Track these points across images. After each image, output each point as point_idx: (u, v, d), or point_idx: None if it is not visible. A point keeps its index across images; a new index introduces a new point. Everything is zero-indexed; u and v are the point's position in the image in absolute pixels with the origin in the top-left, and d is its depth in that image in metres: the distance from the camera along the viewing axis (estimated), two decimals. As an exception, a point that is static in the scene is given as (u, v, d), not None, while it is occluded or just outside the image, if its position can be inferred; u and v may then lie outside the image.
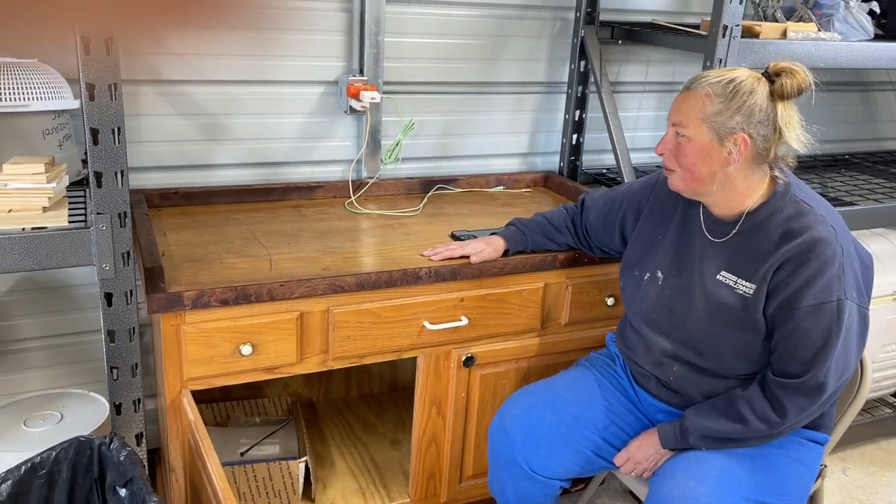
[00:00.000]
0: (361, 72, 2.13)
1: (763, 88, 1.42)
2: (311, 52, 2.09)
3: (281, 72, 2.08)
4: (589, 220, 1.80)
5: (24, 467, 1.31)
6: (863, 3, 2.12)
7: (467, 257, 1.76)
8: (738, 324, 1.47)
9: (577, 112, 2.41)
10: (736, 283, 1.48)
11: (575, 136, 2.44)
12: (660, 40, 2.15)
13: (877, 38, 2.17)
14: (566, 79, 2.42)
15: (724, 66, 1.84)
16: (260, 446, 1.96)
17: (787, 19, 2.11)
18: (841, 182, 2.57)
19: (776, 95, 1.42)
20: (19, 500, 1.31)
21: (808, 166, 2.84)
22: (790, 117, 1.43)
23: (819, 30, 2.03)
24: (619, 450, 1.64)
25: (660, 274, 1.60)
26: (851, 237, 1.48)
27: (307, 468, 1.89)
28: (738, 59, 1.84)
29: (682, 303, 1.55)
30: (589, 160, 2.53)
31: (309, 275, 1.63)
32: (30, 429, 1.64)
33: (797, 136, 1.43)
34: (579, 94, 2.39)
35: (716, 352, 1.51)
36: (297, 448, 1.96)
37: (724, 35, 1.81)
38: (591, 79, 2.33)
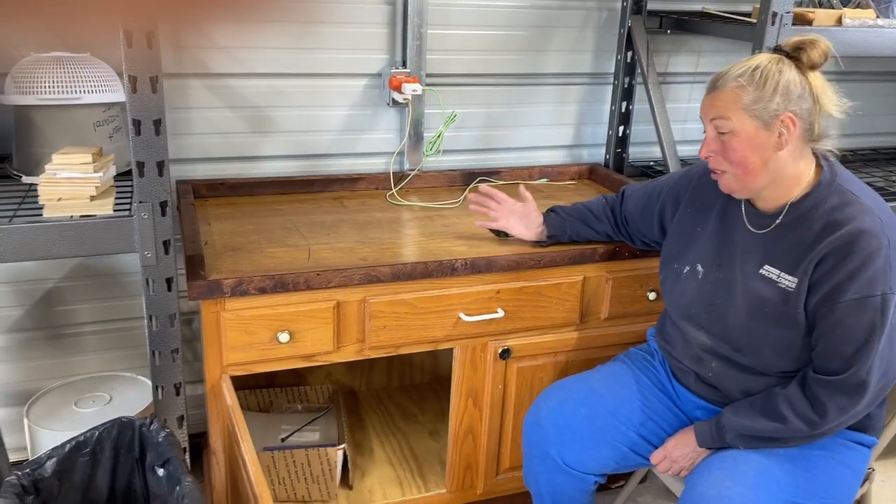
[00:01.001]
0: (404, 64, 2.14)
1: (788, 66, 1.38)
2: (355, 44, 2.11)
3: (325, 64, 2.10)
4: (628, 210, 1.77)
5: (68, 445, 1.36)
6: (927, -12, 2.02)
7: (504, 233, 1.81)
8: (778, 319, 1.43)
9: (624, 104, 2.37)
10: (779, 276, 1.43)
11: (621, 128, 2.40)
12: (709, 29, 2.10)
13: (941, 24, 2.06)
14: (612, 70, 2.39)
15: (774, 54, 1.78)
16: (300, 433, 2.00)
17: (844, 6, 2.03)
18: (904, 175, 2.46)
19: (806, 67, 1.38)
20: (64, 476, 1.37)
21: (869, 159, 2.73)
22: (823, 85, 1.40)
23: (878, 17, 1.94)
24: (655, 446, 1.61)
25: (700, 268, 1.57)
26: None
27: (345, 456, 1.92)
28: (789, 47, 1.78)
29: (722, 297, 1.52)
30: (636, 153, 2.49)
31: (346, 265, 1.65)
32: (80, 409, 1.71)
33: (834, 103, 1.40)
34: (626, 86, 2.35)
35: (755, 348, 1.47)
36: (336, 436, 1.99)
37: (773, 22, 1.75)
38: (638, 70, 2.29)
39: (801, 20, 1.85)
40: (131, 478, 1.43)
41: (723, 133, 1.41)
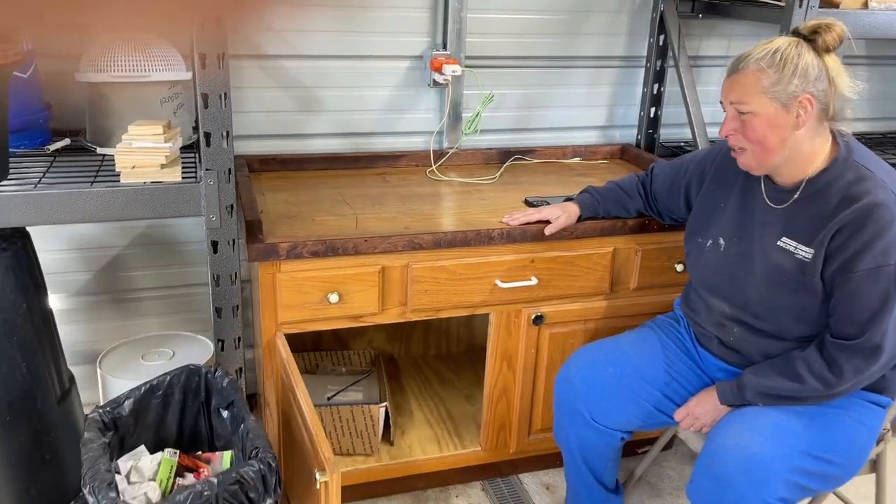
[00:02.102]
0: (445, 47, 2.25)
1: (806, 49, 1.46)
2: (398, 28, 2.23)
3: (370, 47, 2.22)
4: (656, 187, 1.87)
5: (143, 388, 1.51)
6: (955, -28, 2.07)
7: (544, 222, 1.85)
8: (796, 287, 1.51)
9: (656, 86, 2.46)
10: (796, 248, 1.52)
11: (653, 110, 2.49)
12: (739, 13, 2.17)
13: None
14: (645, 53, 2.47)
15: (800, 36, 1.86)
16: (345, 392, 2.14)
17: (873, -10, 2.09)
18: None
19: (822, 51, 1.46)
20: (139, 416, 1.52)
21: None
22: (838, 68, 1.47)
23: (905, -1, 2.00)
24: (678, 405, 1.71)
25: (721, 241, 1.66)
26: None
27: (387, 413, 2.05)
28: (815, 29, 1.85)
29: (742, 269, 1.61)
30: (667, 134, 2.57)
31: (390, 232, 1.77)
32: (147, 362, 1.86)
33: (848, 84, 1.47)
34: (658, 68, 2.44)
35: (774, 315, 1.56)
36: (378, 395, 2.12)
37: (800, 5, 1.82)
38: (670, 53, 2.37)
39: (827, 3, 1.92)
40: (197, 419, 1.58)
41: (743, 113, 1.49)
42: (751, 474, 1.46)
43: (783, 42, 1.47)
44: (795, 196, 1.53)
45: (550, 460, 2.20)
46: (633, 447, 2.24)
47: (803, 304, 1.52)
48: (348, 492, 2.01)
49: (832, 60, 1.46)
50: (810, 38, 1.46)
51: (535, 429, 2.08)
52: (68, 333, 2.16)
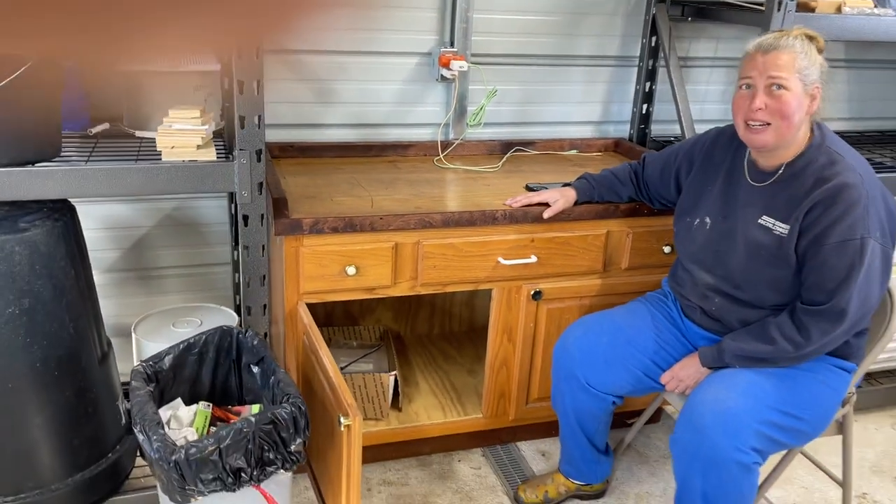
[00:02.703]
0: (452, 44, 2.42)
1: (814, 47, 1.66)
2: (409, 26, 2.40)
3: (382, 43, 2.39)
4: (648, 174, 2.04)
5: (181, 345, 1.67)
6: (924, -19, 2.25)
7: (543, 204, 2.02)
8: (772, 260, 1.69)
9: (648, 84, 2.63)
10: (774, 224, 1.70)
11: (645, 106, 2.66)
12: (725, 16, 2.35)
13: (936, 14, 2.30)
14: (638, 53, 2.65)
15: (779, 37, 2.03)
16: (356, 364, 2.30)
17: (848, -4, 2.26)
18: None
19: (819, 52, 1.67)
20: (177, 371, 1.68)
21: (877, 140, 2.95)
22: (829, 72, 1.68)
23: (875, 6, 2.18)
24: (665, 371, 1.88)
25: (708, 220, 1.83)
26: (879, 185, 1.67)
27: (396, 381, 2.21)
28: (793, 31, 2.03)
29: (725, 244, 1.78)
30: (657, 129, 2.75)
31: (403, 211, 1.94)
32: (177, 329, 2.02)
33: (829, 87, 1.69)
34: (650, 68, 2.61)
35: (753, 285, 1.73)
36: (388, 366, 2.29)
37: (778, 9, 2.00)
38: (661, 53, 2.55)
39: (804, 8, 2.10)
40: (228, 375, 1.74)
41: (779, 88, 1.62)
42: (725, 426, 1.63)
43: (801, 34, 1.65)
44: (775, 177, 1.71)
45: (546, 429, 2.37)
46: (624, 418, 2.41)
47: (778, 276, 1.69)
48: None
49: (825, 64, 1.67)
50: (811, 38, 1.66)
51: (533, 398, 2.25)
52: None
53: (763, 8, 2.08)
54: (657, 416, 2.50)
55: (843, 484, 1.99)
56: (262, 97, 1.68)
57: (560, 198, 2.02)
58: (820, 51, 1.67)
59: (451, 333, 2.72)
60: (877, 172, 2.35)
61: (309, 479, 2.01)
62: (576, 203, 2.06)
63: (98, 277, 2.36)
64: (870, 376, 2.72)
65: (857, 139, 2.93)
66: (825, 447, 2.27)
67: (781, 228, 1.68)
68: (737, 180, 1.80)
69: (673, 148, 2.01)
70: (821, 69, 1.66)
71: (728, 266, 1.77)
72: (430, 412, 2.25)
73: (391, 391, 2.19)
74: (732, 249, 1.77)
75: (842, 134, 2.94)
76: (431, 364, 2.52)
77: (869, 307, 1.66)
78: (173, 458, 1.35)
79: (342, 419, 1.47)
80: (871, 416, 2.66)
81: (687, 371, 1.81)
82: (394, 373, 2.19)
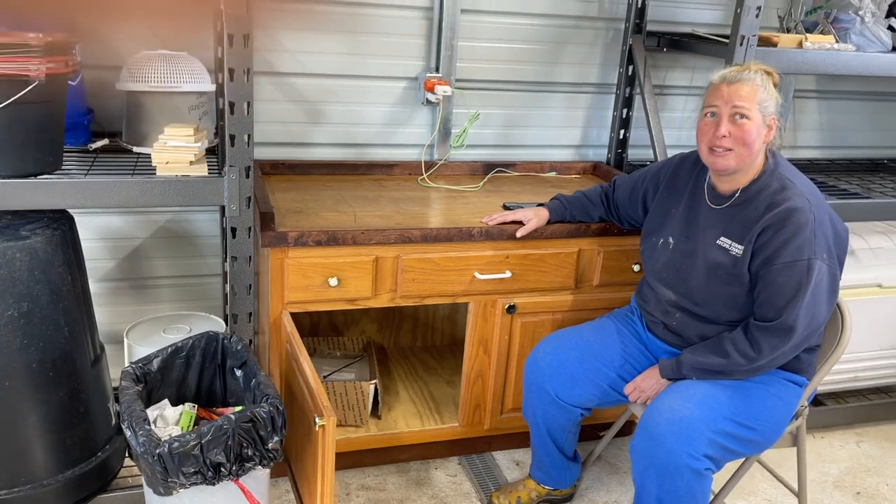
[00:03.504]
0: (437, 70, 2.55)
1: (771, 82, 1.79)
2: (397, 52, 2.53)
3: (370, 68, 2.52)
4: (618, 196, 2.15)
5: (169, 349, 1.78)
6: (883, 19, 2.38)
7: (518, 223, 2.13)
8: (728, 279, 1.80)
9: (624, 111, 2.76)
10: (730, 245, 1.81)
11: (622, 132, 2.78)
12: (695, 48, 2.48)
13: (894, 49, 2.43)
14: (615, 81, 2.77)
15: (742, 70, 2.16)
16: (339, 373, 2.40)
17: (812, 32, 2.40)
18: (880, 184, 2.80)
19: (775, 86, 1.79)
20: (165, 373, 1.78)
21: (845, 169, 3.07)
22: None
23: (836, 41, 2.31)
24: None
25: (671, 240, 1.94)
26: (827, 209, 1.79)
27: (376, 390, 2.31)
28: (755, 64, 2.15)
29: (686, 263, 1.89)
30: (634, 154, 2.87)
31: (384, 227, 2.05)
32: (167, 335, 2.12)
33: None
34: (626, 95, 2.74)
35: (710, 302, 1.84)
36: (369, 376, 2.38)
37: (741, 44, 2.13)
38: (637, 82, 2.67)
39: (767, 43, 2.23)
40: (213, 379, 1.84)
41: (741, 117, 1.73)
42: (679, 433, 1.72)
43: (759, 69, 1.77)
44: (731, 201, 1.82)
45: (521, 440, 2.46)
46: (596, 430, 2.50)
47: (734, 294, 1.80)
48: (340, 459, 2.26)
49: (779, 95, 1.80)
50: (768, 73, 1.78)
51: (507, 408, 2.35)
52: (93, 314, 2.42)
53: (727, 42, 2.21)
54: (628, 428, 2.59)
55: (799, 494, 2.08)
56: (251, 117, 1.79)
57: (533, 217, 2.14)
58: (775, 85, 1.80)
59: (433, 346, 2.82)
60: (844, 199, 2.48)
61: (290, 482, 2.10)
62: (549, 222, 2.17)
63: (94, 286, 2.47)
64: (836, 395, 2.82)
65: (827, 167, 3.06)
66: (789, 461, 2.36)
67: (737, 249, 1.79)
68: (698, 203, 1.91)
69: (641, 172, 2.13)
70: (777, 102, 1.79)
71: (689, 284, 1.88)
72: (408, 420, 2.35)
73: (371, 399, 2.28)
74: (693, 268, 1.88)
75: (813, 162, 3.08)
76: (412, 375, 2.62)
77: (817, 324, 1.77)
78: (157, 451, 1.45)
79: (317, 420, 1.57)
80: (836, 434, 2.76)
81: (647, 382, 1.91)
82: (374, 381, 2.29)
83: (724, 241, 1.82)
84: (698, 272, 1.86)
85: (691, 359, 1.83)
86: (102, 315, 2.48)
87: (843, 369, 2.70)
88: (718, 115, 1.77)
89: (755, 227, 1.76)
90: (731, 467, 1.96)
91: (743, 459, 1.96)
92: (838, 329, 1.92)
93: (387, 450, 2.33)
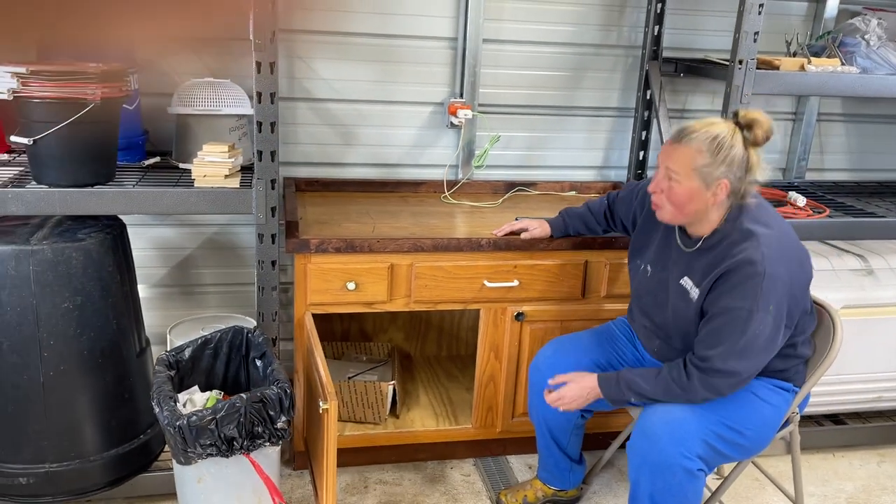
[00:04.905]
0: (461, 95, 2.74)
1: (739, 139, 1.74)
2: (424, 79, 2.73)
3: (399, 94, 2.73)
4: (618, 209, 2.25)
5: (199, 341, 2.00)
6: (890, 42, 2.45)
7: (524, 230, 2.27)
8: (690, 317, 1.85)
9: (643, 133, 2.88)
10: (690, 287, 1.86)
11: (641, 153, 2.90)
12: (706, 72, 2.60)
13: (905, 71, 2.48)
14: (634, 105, 2.90)
15: (741, 93, 2.26)
16: (363, 375, 2.58)
17: (819, 55, 2.48)
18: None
19: (749, 144, 1.75)
20: (195, 362, 2.00)
21: (874, 192, 3.08)
22: (758, 160, 1.76)
23: (842, 64, 2.39)
24: None
25: (649, 267, 2.01)
26: (786, 261, 1.78)
27: (394, 391, 2.47)
28: (755, 86, 2.26)
29: (662, 294, 1.95)
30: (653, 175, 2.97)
31: (399, 236, 2.23)
32: (204, 332, 2.34)
33: (762, 170, 1.77)
34: (644, 118, 2.86)
35: (681, 336, 1.91)
36: (390, 378, 2.55)
37: (739, 66, 2.23)
38: (654, 105, 2.80)
39: (769, 66, 2.33)
40: (238, 370, 2.05)
41: (671, 179, 1.77)
42: (672, 433, 1.80)
43: (724, 128, 1.75)
44: (697, 246, 1.87)
45: (534, 445, 2.57)
46: (608, 438, 2.59)
47: (691, 330, 1.85)
48: (359, 455, 2.44)
49: (755, 153, 1.76)
50: (745, 127, 1.75)
51: (518, 412, 2.47)
52: (145, 318, 2.68)
53: (727, 65, 2.32)
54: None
55: (795, 501, 2.12)
56: (276, 136, 2.02)
57: (538, 226, 2.28)
58: (755, 143, 1.74)
59: (457, 356, 2.97)
60: (863, 218, 2.49)
61: (310, 475, 2.28)
62: (552, 237, 2.29)
63: (147, 291, 2.74)
64: (859, 415, 2.82)
65: (853, 189, 3.08)
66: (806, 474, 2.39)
67: (695, 292, 1.84)
68: (670, 240, 1.95)
69: (638, 184, 2.19)
70: (737, 164, 1.72)
71: (664, 314, 1.95)
72: (424, 420, 2.50)
73: (389, 399, 2.45)
74: (665, 300, 1.94)
75: (839, 184, 3.11)
76: (434, 381, 2.77)
77: (753, 370, 1.79)
78: (178, 423, 1.65)
79: (321, 403, 1.75)
80: (858, 453, 2.75)
81: (573, 392, 1.94)
82: (392, 382, 2.46)
83: (685, 282, 1.87)
84: (670, 305, 1.92)
85: (631, 380, 1.87)
86: (154, 318, 2.75)
87: (865, 389, 2.70)
88: (658, 168, 1.83)
89: (712, 274, 1.78)
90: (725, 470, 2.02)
91: (735, 463, 2.03)
92: (829, 338, 1.98)
93: (404, 448, 2.49)
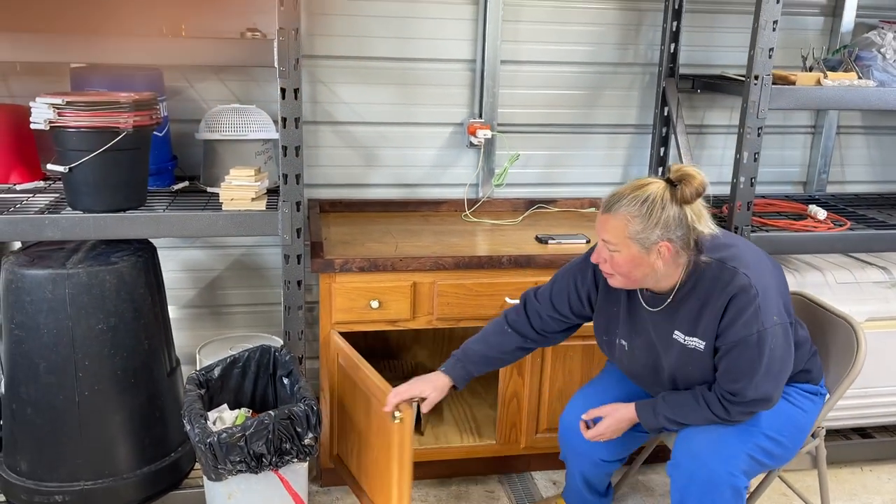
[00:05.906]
0: (480, 115, 2.79)
1: (671, 199, 1.66)
2: (444, 101, 2.79)
3: (420, 116, 2.79)
4: (538, 304, 2.00)
5: (228, 359, 2.05)
6: (908, 55, 2.45)
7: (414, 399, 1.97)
8: (698, 365, 1.82)
9: (661, 149, 2.90)
10: (685, 339, 1.80)
11: (659, 170, 2.92)
12: (722, 88, 2.62)
13: (923, 83, 2.48)
14: (652, 121, 2.93)
15: (758, 109, 2.28)
16: (387, 392, 2.61)
17: (836, 69, 2.49)
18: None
19: (680, 201, 1.67)
20: (224, 381, 2.05)
21: (895, 204, 3.07)
22: (699, 213, 1.70)
23: (859, 78, 2.40)
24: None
25: (624, 342, 1.92)
26: (762, 267, 1.77)
27: (418, 408, 2.50)
28: (772, 102, 2.27)
29: (650, 358, 1.88)
30: (674, 190, 2.99)
31: (421, 255, 2.28)
32: (232, 352, 2.40)
33: (708, 226, 1.72)
34: (662, 135, 2.89)
35: (685, 381, 1.87)
36: (413, 395, 2.58)
37: (755, 82, 2.26)
38: (671, 121, 2.82)
39: (784, 81, 2.35)
40: (266, 388, 2.10)
41: (610, 250, 1.72)
42: (718, 452, 1.79)
43: (654, 189, 1.68)
44: (669, 301, 1.80)
45: (558, 461, 2.58)
46: (632, 455, 2.59)
47: (706, 374, 1.82)
48: (385, 471, 2.46)
49: (693, 207, 1.69)
50: (676, 184, 1.67)
51: (542, 428, 2.49)
52: (175, 338, 2.74)
53: (743, 80, 2.34)
54: (666, 453, 2.66)
55: (822, 514, 2.11)
56: (300, 160, 2.07)
57: (432, 391, 1.99)
58: (685, 200, 1.66)
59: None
60: (882, 231, 2.48)
61: (350, 489, 2.30)
62: (454, 388, 2.04)
63: (177, 312, 2.81)
64: (887, 428, 2.80)
65: (875, 201, 3.07)
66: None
67: (695, 342, 1.78)
68: (635, 306, 1.89)
69: (568, 269, 2.01)
70: (674, 223, 1.66)
71: (660, 376, 1.90)
72: (448, 436, 2.53)
73: (413, 416, 2.47)
74: (659, 359, 1.87)
75: (859, 196, 3.10)
76: (458, 399, 2.80)
77: (783, 379, 1.79)
78: (208, 440, 1.70)
79: (397, 414, 1.79)
80: (885, 467, 2.73)
81: (611, 426, 1.91)
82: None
83: (678, 336, 1.81)
84: (666, 361, 1.86)
85: (669, 414, 1.84)
86: (184, 338, 2.81)
87: (892, 402, 2.68)
88: (598, 240, 1.78)
89: (705, 316, 1.75)
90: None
91: (763, 477, 2.02)
92: (853, 350, 1.97)
93: (429, 465, 2.51)
